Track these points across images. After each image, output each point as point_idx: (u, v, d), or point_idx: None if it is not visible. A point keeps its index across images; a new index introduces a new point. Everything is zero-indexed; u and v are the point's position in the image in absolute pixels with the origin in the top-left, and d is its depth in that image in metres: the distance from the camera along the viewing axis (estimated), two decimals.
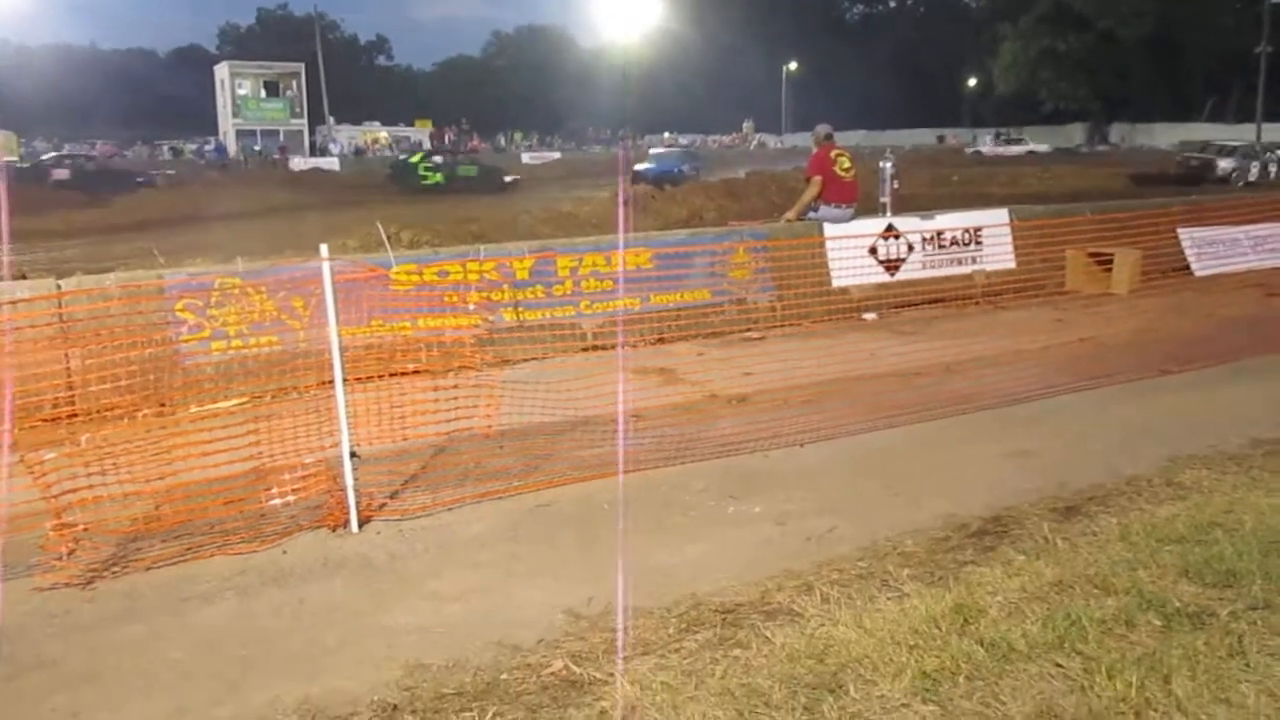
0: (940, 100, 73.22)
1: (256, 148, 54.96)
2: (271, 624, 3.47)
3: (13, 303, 5.74)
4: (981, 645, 2.97)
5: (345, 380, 4.24)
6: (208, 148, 55.73)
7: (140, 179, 34.20)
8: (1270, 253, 10.96)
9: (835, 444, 5.26)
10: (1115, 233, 9.92)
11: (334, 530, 4.22)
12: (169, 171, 39.66)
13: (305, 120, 59.97)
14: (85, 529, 4.05)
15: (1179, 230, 10.60)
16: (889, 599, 3.38)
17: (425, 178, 33.99)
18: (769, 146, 66.80)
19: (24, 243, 16.30)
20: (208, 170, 44.41)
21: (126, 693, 3.05)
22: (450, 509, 4.44)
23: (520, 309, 7.65)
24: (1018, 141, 52.32)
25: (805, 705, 2.73)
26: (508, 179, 35.63)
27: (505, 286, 7.59)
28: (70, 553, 3.96)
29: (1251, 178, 28.69)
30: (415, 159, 36.49)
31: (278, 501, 4.43)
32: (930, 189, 23.76)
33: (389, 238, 9.60)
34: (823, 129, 9.70)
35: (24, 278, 7.96)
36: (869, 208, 9.93)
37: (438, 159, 36.60)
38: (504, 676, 3.02)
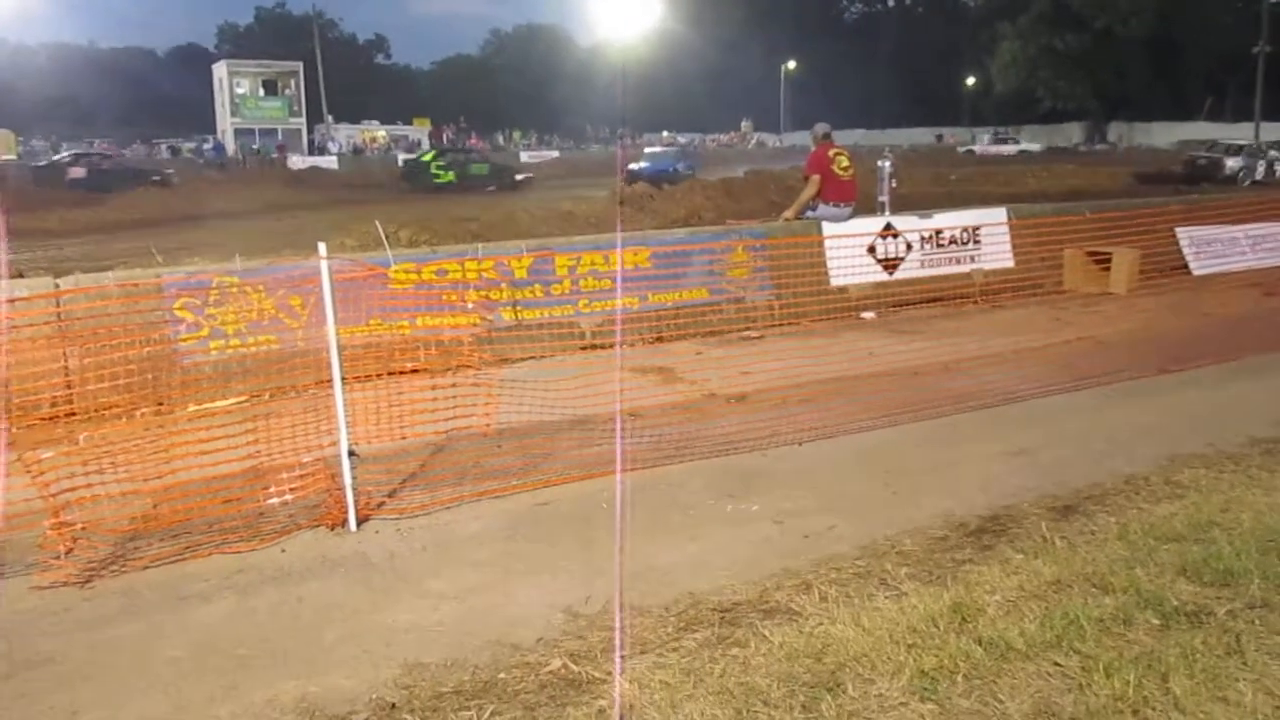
0: (939, 99, 73.24)
1: (255, 146, 54.84)
2: (270, 622, 3.47)
3: (11, 301, 5.73)
4: (979, 644, 2.98)
5: (344, 379, 4.24)
6: (206, 146, 55.58)
7: (155, 177, 34.33)
8: (1268, 252, 10.98)
9: (834, 443, 5.26)
10: (1113, 232, 9.93)
11: (332, 529, 4.22)
12: (168, 170, 39.72)
13: (304, 119, 59.85)
14: (83, 528, 4.05)
15: (1177, 229, 10.62)
16: (887, 598, 3.38)
17: (438, 176, 33.81)
18: (767, 145, 66.78)
19: (21, 241, 16.28)
20: (206, 169, 44.35)
21: (125, 691, 3.05)
22: (449, 508, 4.44)
23: (519, 308, 7.65)
24: (1011, 141, 52.34)
25: (803, 704, 2.73)
26: (519, 177, 35.50)
27: (504, 285, 7.59)
28: (68, 551, 3.96)
29: (1258, 176, 28.83)
30: (427, 157, 36.34)
31: (276, 500, 4.43)
32: (929, 188, 23.76)
33: (387, 236, 9.59)
34: (821, 128, 9.69)
35: (20, 276, 7.94)
36: (867, 207, 9.94)
37: (450, 157, 36.41)
38: (502, 675, 3.03)
